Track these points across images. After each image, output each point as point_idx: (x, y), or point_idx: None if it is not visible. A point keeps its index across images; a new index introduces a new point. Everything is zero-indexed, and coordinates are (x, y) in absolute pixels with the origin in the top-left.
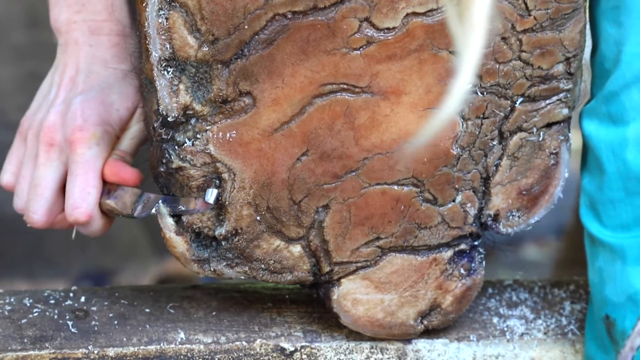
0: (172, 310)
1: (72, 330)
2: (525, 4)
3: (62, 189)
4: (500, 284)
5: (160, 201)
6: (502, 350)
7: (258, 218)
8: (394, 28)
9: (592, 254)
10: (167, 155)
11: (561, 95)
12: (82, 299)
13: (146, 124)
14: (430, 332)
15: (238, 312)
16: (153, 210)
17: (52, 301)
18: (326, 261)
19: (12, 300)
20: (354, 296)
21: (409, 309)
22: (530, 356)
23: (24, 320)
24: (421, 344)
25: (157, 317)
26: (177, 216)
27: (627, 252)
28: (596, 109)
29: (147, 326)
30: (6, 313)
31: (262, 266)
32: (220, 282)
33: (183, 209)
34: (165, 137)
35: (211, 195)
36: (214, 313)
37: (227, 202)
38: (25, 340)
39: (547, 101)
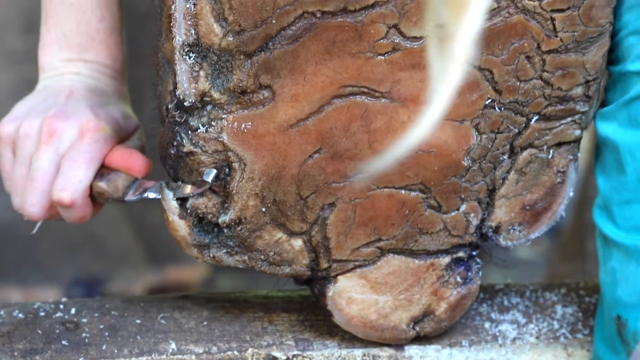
0: (163, 321)
1: (63, 342)
2: (554, 25)
3: None
4: (492, 288)
5: (162, 184)
6: (494, 355)
7: (263, 209)
8: (421, 37)
9: (605, 254)
10: (178, 138)
11: (576, 116)
12: (73, 310)
13: (159, 103)
14: (422, 339)
15: (229, 321)
16: (145, 194)
17: (42, 313)
18: (325, 257)
19: (1, 313)
20: (349, 295)
21: (402, 313)
22: None
23: (14, 333)
24: (413, 350)
25: (148, 328)
26: (181, 199)
27: None
28: (615, 112)
29: (138, 337)
30: None
31: (262, 257)
32: (211, 292)
33: (179, 194)
34: (178, 120)
35: (209, 175)
36: (205, 323)
37: (234, 191)
38: (16, 354)
39: (561, 121)
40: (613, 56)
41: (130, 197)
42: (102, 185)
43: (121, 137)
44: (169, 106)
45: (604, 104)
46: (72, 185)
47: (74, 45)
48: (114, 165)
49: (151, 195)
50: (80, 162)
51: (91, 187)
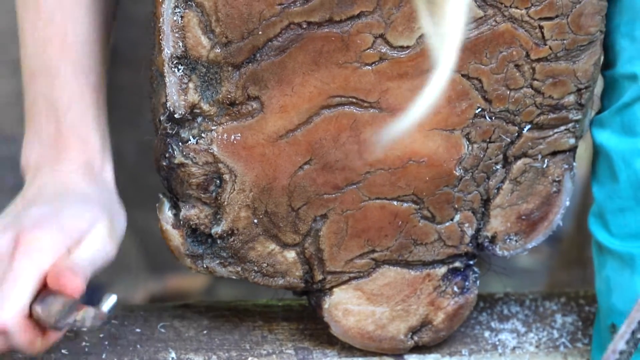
0: (162, 330)
1: (62, 351)
2: (542, 33)
3: None
4: (492, 297)
5: (163, 198)
6: None
7: (255, 221)
8: (408, 47)
9: (600, 262)
10: (170, 150)
11: (569, 125)
12: None
13: (153, 116)
14: (421, 348)
15: (229, 330)
16: (69, 320)
17: None
18: (319, 269)
19: None
20: (345, 306)
21: (400, 323)
22: None
23: None
24: (413, 359)
25: (147, 337)
26: (175, 208)
27: (636, 260)
28: (609, 119)
29: (138, 346)
30: None
31: (255, 268)
32: (211, 301)
33: (77, 320)
34: (170, 131)
35: (108, 302)
36: (205, 332)
37: (225, 203)
38: None
39: (555, 130)
40: (607, 60)
41: (61, 323)
42: (37, 309)
43: (67, 242)
44: (161, 118)
45: (601, 109)
46: (3, 309)
47: (46, 146)
48: (48, 285)
49: (78, 322)
50: (11, 282)
51: (30, 310)
